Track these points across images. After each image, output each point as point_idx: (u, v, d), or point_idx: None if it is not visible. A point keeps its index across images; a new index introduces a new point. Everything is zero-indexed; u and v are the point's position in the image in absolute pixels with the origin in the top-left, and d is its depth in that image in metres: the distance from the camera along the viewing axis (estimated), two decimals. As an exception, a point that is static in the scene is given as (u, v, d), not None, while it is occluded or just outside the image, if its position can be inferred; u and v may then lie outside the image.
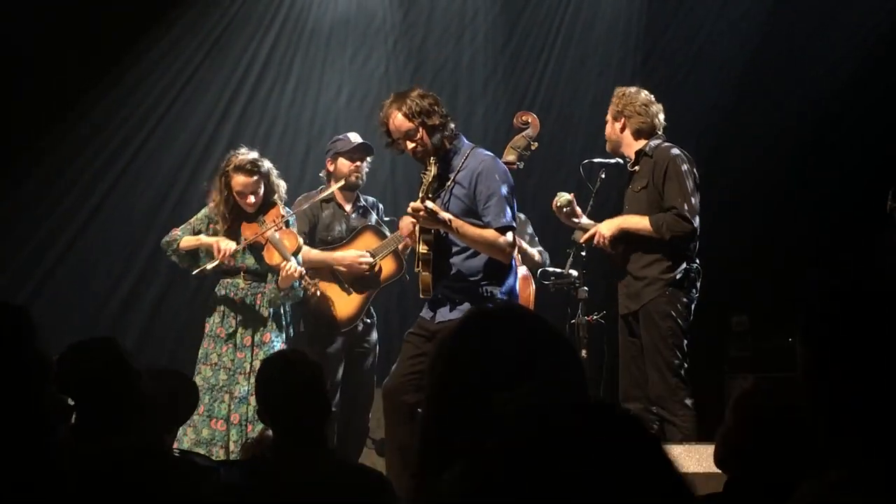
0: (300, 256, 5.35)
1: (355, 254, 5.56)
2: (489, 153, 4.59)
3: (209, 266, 5.23)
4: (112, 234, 6.98)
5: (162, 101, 7.09)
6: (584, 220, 5.12)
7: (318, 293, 5.30)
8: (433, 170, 4.38)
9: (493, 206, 4.40)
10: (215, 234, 5.36)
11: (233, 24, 7.27)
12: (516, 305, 1.51)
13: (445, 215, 4.34)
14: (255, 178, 5.28)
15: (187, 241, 5.32)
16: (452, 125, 4.53)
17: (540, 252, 5.89)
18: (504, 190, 4.45)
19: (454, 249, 4.47)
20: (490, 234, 4.39)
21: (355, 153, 5.62)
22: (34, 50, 6.59)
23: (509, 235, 4.42)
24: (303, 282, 5.22)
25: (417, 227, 4.44)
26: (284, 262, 5.20)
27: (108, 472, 1.79)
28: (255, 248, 5.33)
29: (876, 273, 1.29)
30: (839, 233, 6.37)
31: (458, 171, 4.46)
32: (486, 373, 1.28)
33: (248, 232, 5.31)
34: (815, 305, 1.32)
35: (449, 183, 4.47)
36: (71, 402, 1.98)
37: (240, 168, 5.27)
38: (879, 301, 1.27)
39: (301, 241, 5.36)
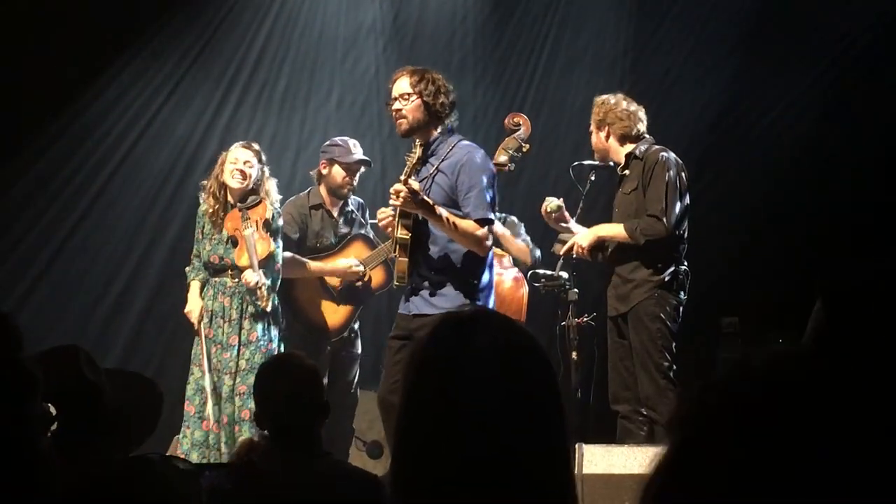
0: (279, 258, 5.33)
1: (349, 263, 5.55)
2: (476, 146, 4.56)
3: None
4: (101, 239, 6.97)
5: (151, 104, 7.07)
6: (573, 224, 5.14)
7: (269, 308, 5.24)
8: (418, 152, 4.35)
9: (473, 197, 4.36)
10: (203, 234, 5.41)
11: (223, 26, 7.26)
12: (490, 312, 1.49)
13: (426, 199, 4.30)
14: (249, 152, 5.37)
15: (189, 292, 5.43)
16: (450, 121, 4.51)
17: (527, 244, 5.79)
18: (486, 184, 4.41)
19: (432, 238, 4.42)
20: (469, 224, 4.35)
21: (353, 167, 5.59)
22: (19, 55, 6.56)
23: (487, 229, 4.39)
24: (258, 292, 5.17)
25: (397, 211, 4.37)
26: (247, 269, 5.18)
27: (92, 483, 1.79)
28: (233, 241, 5.33)
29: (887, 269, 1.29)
30: (833, 236, 6.39)
31: (443, 160, 4.42)
32: (457, 384, 1.29)
33: (231, 223, 5.32)
34: (829, 302, 1.32)
35: (432, 171, 4.42)
36: (53, 411, 1.98)
37: (238, 145, 5.44)
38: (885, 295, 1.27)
39: (274, 246, 5.30)
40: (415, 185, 4.26)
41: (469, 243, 4.38)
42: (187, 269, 5.50)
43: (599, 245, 5.02)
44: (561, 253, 5.09)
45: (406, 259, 4.37)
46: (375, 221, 5.75)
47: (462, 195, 4.38)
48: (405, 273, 4.39)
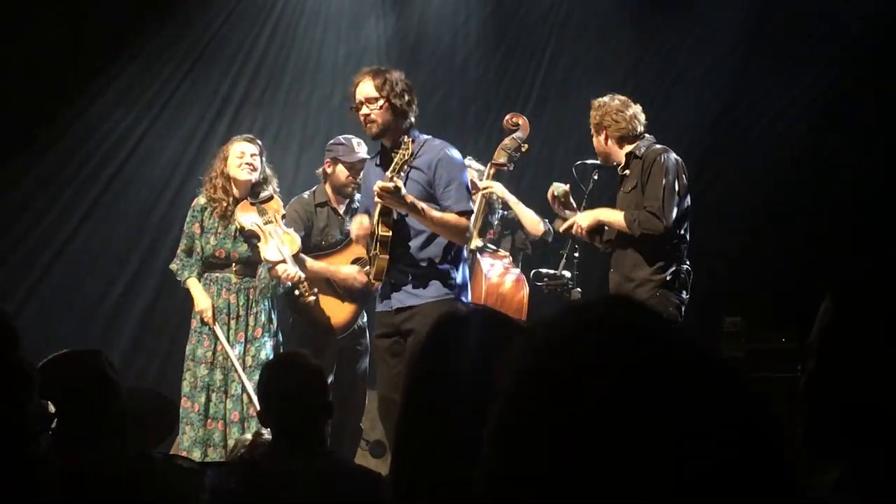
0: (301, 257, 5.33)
1: (354, 270, 5.53)
2: (446, 142, 4.65)
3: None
4: (103, 240, 6.96)
5: (153, 105, 7.08)
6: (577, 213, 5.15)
7: (313, 300, 5.26)
8: (411, 148, 4.39)
9: (454, 190, 4.48)
10: (203, 228, 5.36)
11: (225, 26, 7.26)
12: (487, 310, 1.48)
13: (409, 197, 4.35)
14: (253, 146, 5.41)
15: (192, 289, 5.35)
16: (413, 118, 4.58)
17: (544, 222, 5.77)
18: (464, 177, 4.56)
19: (412, 234, 4.50)
20: (452, 217, 4.45)
21: (357, 166, 5.59)
22: (19, 55, 6.55)
23: (469, 220, 4.52)
24: (301, 287, 5.16)
25: (377, 209, 4.43)
26: (282, 264, 5.17)
27: (92, 481, 1.78)
28: (248, 236, 5.30)
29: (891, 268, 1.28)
30: (833, 236, 6.38)
31: (416, 157, 4.48)
32: (456, 384, 1.28)
33: (245, 217, 5.29)
34: (835, 301, 1.31)
35: (407, 169, 4.47)
36: (52, 410, 1.98)
37: (240, 138, 5.49)
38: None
39: (300, 244, 5.35)
40: (399, 182, 4.30)
41: (452, 235, 4.49)
42: (174, 266, 5.42)
43: (598, 228, 5.04)
44: (561, 229, 5.14)
45: (387, 256, 4.43)
46: None
47: (441, 189, 4.49)
48: (384, 270, 4.45)
